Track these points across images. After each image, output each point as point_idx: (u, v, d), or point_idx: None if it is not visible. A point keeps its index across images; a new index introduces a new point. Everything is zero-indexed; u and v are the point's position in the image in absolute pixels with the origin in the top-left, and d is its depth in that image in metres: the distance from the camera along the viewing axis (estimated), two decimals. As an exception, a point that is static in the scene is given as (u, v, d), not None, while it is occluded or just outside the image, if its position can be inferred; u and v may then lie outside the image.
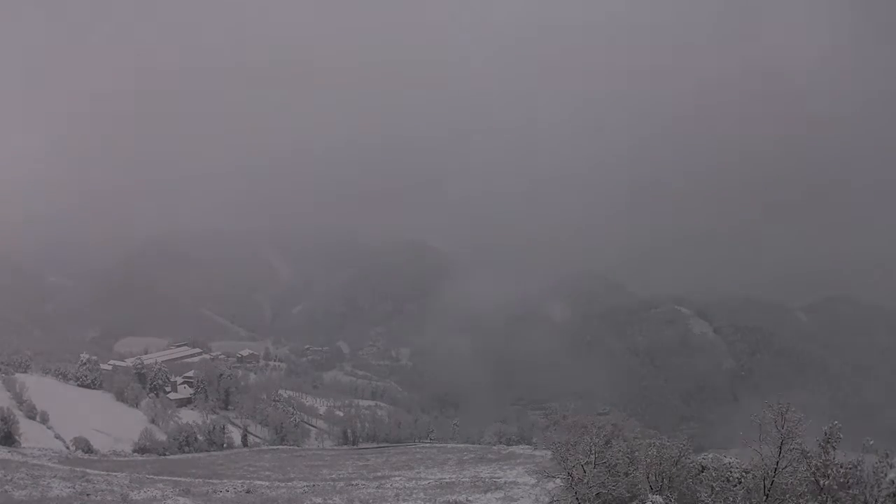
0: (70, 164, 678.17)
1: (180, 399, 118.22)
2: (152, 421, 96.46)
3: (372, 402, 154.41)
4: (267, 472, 68.19)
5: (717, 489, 27.80)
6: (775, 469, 25.86)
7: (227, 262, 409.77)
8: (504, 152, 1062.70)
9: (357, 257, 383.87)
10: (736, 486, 28.12)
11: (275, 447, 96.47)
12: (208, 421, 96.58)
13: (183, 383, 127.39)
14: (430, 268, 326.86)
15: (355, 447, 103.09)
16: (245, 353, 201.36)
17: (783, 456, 25.81)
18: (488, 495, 51.11)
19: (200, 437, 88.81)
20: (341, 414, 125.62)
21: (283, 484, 59.22)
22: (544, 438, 50.54)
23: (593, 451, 31.57)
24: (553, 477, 35.13)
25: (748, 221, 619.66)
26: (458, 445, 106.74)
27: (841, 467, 25.21)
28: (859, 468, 25.33)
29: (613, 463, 31.37)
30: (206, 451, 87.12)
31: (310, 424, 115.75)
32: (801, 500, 25.14)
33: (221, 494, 51.13)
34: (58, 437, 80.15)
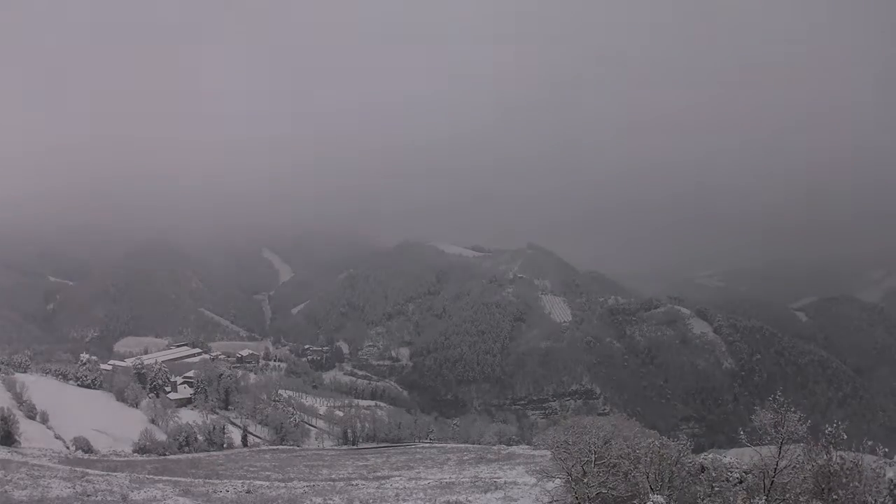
0: (70, 165, 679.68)
1: (180, 399, 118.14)
2: (152, 421, 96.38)
3: (372, 402, 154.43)
4: (267, 472, 68.13)
5: (716, 489, 27.78)
6: (775, 469, 25.86)
7: (227, 262, 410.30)
8: (504, 154, 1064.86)
9: (357, 257, 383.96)
10: (736, 486, 28.11)
11: (275, 447, 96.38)
12: (208, 421, 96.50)
13: (183, 383, 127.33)
14: (430, 268, 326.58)
15: (355, 447, 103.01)
16: (245, 353, 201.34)
17: (783, 456, 25.82)
18: (488, 495, 51.05)
19: (200, 437, 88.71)
20: (341, 414, 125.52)
21: (283, 484, 59.18)
22: (544, 438, 50.51)
23: (593, 451, 31.57)
24: (553, 477, 35.16)
25: (748, 221, 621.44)
26: (458, 445, 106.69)
27: (841, 467, 25.19)
28: (859, 467, 25.32)
29: (614, 463, 31.36)
30: (206, 451, 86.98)
31: (310, 424, 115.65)
32: (800, 500, 25.13)
33: (221, 494, 51.09)
34: (58, 437, 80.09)
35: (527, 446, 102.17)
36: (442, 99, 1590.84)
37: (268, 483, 59.33)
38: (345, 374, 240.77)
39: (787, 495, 25.49)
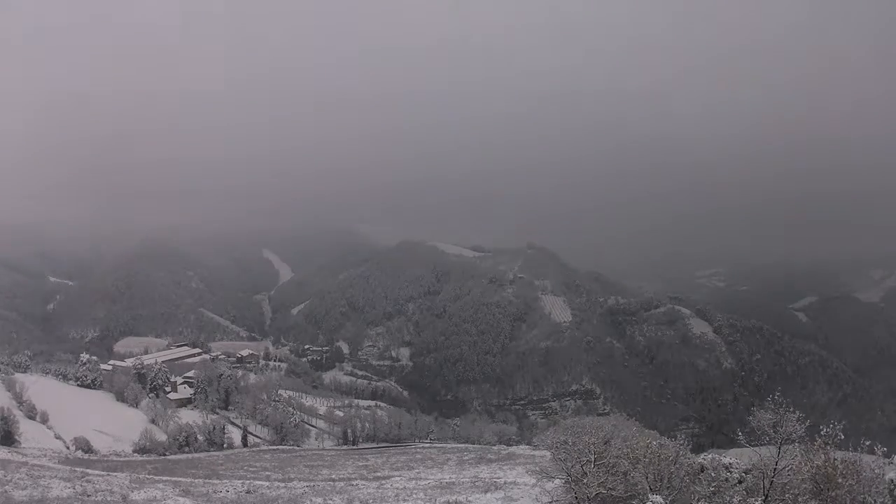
0: (71, 165, 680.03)
1: (180, 399, 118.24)
2: (152, 421, 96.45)
3: (372, 402, 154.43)
4: (267, 472, 68.17)
5: (715, 489, 27.81)
6: (774, 469, 25.89)
7: (227, 262, 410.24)
8: (505, 155, 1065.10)
9: (357, 257, 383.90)
10: (735, 486, 28.15)
11: (275, 447, 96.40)
12: (208, 421, 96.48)
13: (183, 383, 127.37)
14: (430, 268, 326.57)
15: (355, 447, 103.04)
16: (245, 353, 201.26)
17: (782, 456, 25.85)
18: (488, 495, 51.09)
19: (200, 437, 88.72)
20: (341, 414, 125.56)
21: (283, 484, 59.22)
22: (544, 439, 50.74)
23: (592, 452, 31.58)
24: (553, 477, 35.16)
25: (749, 221, 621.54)
26: (458, 445, 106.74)
27: (838, 467, 25.23)
28: (857, 468, 25.36)
29: (613, 463, 31.38)
30: (206, 451, 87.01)
31: (310, 424, 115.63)
32: (799, 500, 25.17)
33: (221, 494, 51.14)
34: (58, 437, 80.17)
35: (527, 446, 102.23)
36: (442, 100, 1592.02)
37: (268, 483, 59.37)
38: (345, 374, 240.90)
39: (786, 495, 25.54)
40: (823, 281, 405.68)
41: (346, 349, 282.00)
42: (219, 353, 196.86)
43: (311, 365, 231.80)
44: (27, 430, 76.87)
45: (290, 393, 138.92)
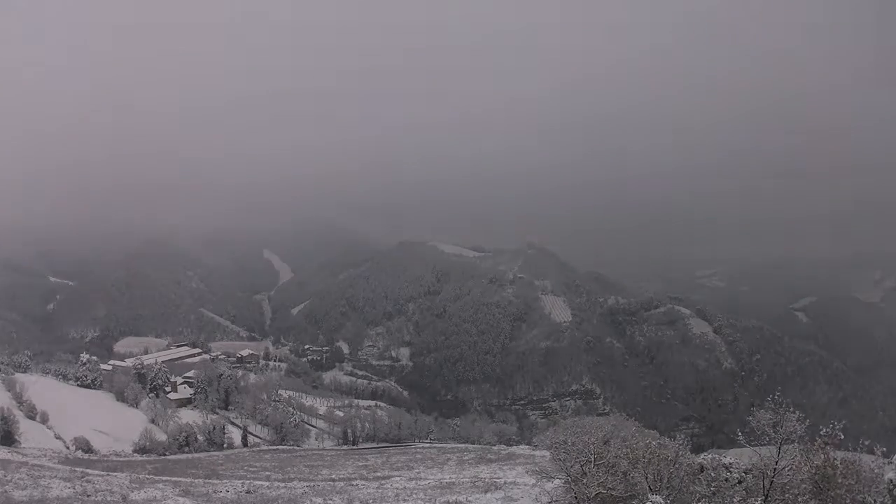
0: (70, 164, 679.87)
1: (180, 399, 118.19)
2: (152, 421, 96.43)
3: (372, 402, 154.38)
4: (267, 472, 68.15)
5: (715, 489, 27.80)
6: (774, 469, 25.89)
7: (227, 262, 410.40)
8: (504, 153, 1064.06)
9: (357, 257, 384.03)
10: (735, 486, 28.13)
11: (275, 447, 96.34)
12: (208, 421, 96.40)
13: (183, 383, 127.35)
14: (430, 268, 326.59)
15: (355, 447, 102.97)
16: (245, 353, 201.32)
17: (782, 456, 25.83)
18: (488, 495, 51.10)
19: (200, 437, 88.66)
20: (341, 414, 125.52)
21: (283, 484, 59.22)
22: (543, 439, 50.83)
23: (592, 452, 31.58)
24: (552, 477, 35.17)
25: (748, 221, 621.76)
26: (458, 445, 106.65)
27: (839, 467, 25.24)
28: (857, 468, 25.36)
29: (612, 463, 31.38)
30: (206, 451, 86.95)
31: (310, 424, 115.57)
32: (799, 500, 25.16)
33: (221, 494, 51.16)
34: (58, 437, 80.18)
35: (527, 446, 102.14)
36: (442, 98, 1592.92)
37: (268, 483, 59.38)
38: (345, 374, 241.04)
39: (786, 495, 25.53)
40: (823, 281, 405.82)
41: (346, 349, 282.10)
42: (219, 353, 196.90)
43: (311, 365, 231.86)
44: (27, 430, 76.87)
45: (290, 393, 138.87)
